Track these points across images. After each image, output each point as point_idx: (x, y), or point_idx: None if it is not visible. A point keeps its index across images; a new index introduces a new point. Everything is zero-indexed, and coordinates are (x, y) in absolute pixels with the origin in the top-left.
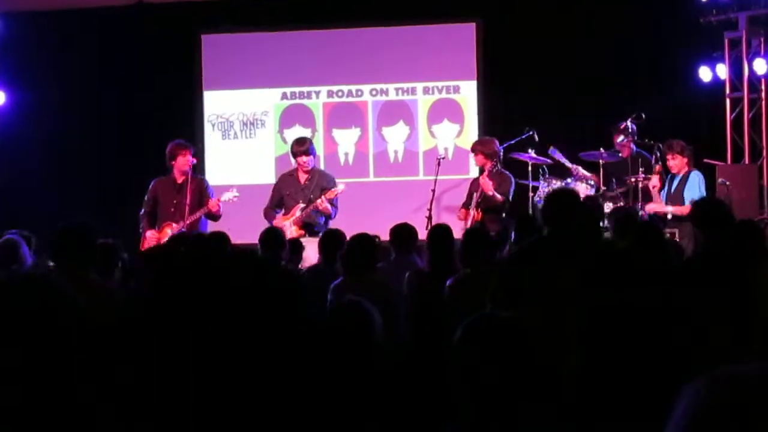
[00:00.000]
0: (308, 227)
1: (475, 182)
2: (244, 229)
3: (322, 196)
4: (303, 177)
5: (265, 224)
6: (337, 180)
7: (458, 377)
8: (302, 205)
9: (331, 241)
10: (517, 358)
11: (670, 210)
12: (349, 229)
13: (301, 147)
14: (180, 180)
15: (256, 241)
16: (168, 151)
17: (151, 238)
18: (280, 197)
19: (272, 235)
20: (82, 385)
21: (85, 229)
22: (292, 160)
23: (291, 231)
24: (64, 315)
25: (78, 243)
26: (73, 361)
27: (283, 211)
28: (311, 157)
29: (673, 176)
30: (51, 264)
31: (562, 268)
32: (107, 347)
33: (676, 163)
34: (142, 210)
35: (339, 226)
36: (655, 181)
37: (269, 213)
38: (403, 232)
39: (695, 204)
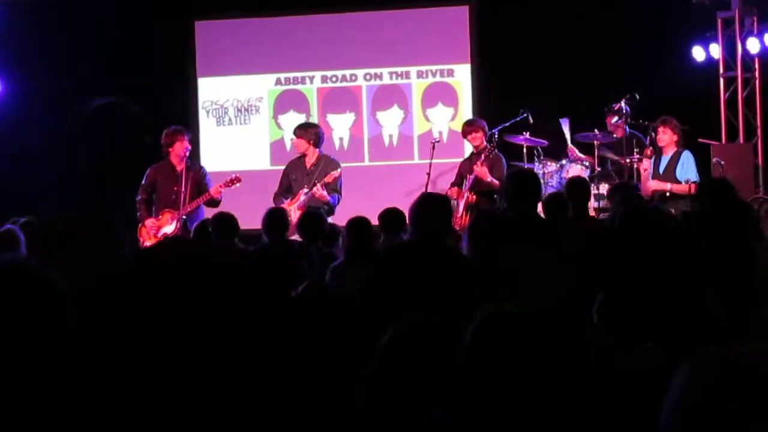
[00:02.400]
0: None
1: (465, 164)
2: (239, 215)
3: (318, 184)
4: (309, 162)
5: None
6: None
7: (470, 364)
8: (306, 190)
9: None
10: (529, 351)
11: (670, 187)
12: (345, 213)
13: (307, 131)
14: (179, 167)
15: (251, 227)
16: (164, 137)
17: (151, 226)
18: (288, 182)
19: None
20: (67, 368)
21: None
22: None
23: (296, 216)
24: (48, 300)
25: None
26: (56, 344)
27: (290, 197)
28: (311, 141)
29: (660, 155)
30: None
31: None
32: (94, 333)
33: (666, 137)
34: (139, 196)
35: (336, 210)
36: (645, 164)
37: (277, 199)
38: (392, 216)
39: (702, 183)
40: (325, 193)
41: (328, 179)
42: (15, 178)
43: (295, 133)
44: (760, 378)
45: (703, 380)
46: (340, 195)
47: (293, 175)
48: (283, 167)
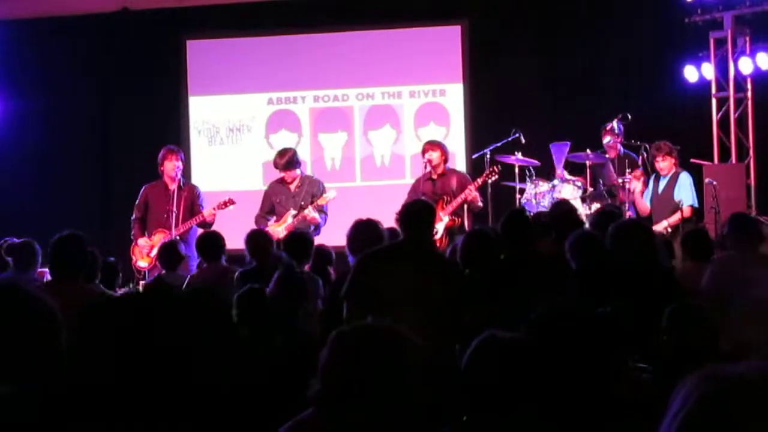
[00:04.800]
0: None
1: (427, 184)
2: (231, 236)
3: (310, 206)
4: (293, 184)
5: None
6: (327, 185)
7: (466, 387)
8: (293, 212)
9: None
10: (519, 373)
11: (667, 225)
12: (337, 233)
13: (281, 160)
14: (171, 186)
15: (242, 247)
16: (159, 156)
17: (143, 246)
18: (271, 205)
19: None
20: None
21: (79, 239)
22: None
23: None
24: (40, 322)
25: (73, 253)
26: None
27: (274, 218)
28: (296, 170)
29: (659, 177)
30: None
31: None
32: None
33: (666, 164)
34: (133, 215)
35: (327, 230)
36: (634, 185)
37: (260, 220)
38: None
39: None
40: (316, 215)
41: (321, 201)
42: (4, 196)
43: (283, 166)
44: (760, 395)
45: (703, 398)
46: (326, 215)
47: (277, 198)
48: None
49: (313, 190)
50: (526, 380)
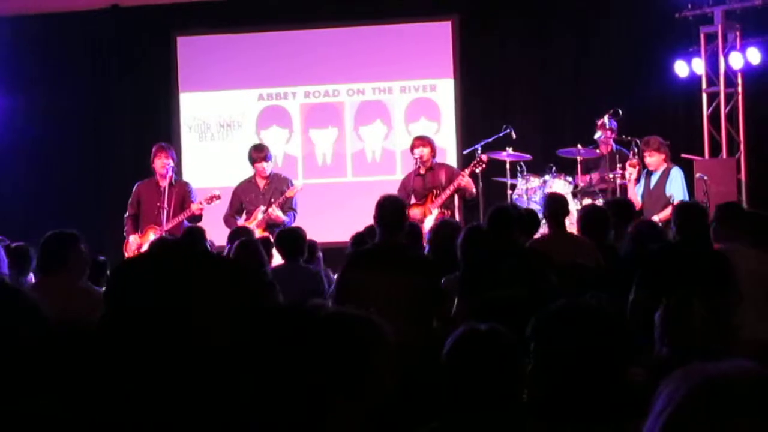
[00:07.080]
0: (272, 229)
1: (417, 179)
2: (219, 231)
3: (274, 206)
4: (262, 182)
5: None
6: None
7: (448, 379)
8: (263, 208)
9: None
10: (496, 364)
11: (657, 219)
12: (328, 228)
13: (260, 154)
14: (163, 183)
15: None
16: (151, 154)
17: (133, 242)
18: (240, 204)
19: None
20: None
21: (73, 237)
22: (251, 167)
23: (255, 234)
24: (26, 316)
25: (65, 251)
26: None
27: (243, 217)
28: (269, 163)
29: (650, 172)
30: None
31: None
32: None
33: (654, 160)
34: (127, 213)
35: (319, 226)
36: (629, 171)
37: (229, 220)
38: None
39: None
40: (279, 213)
41: (288, 194)
42: (1, 195)
43: (263, 159)
44: (744, 394)
45: (687, 397)
46: (296, 212)
47: (246, 197)
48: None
49: (281, 187)
50: (507, 371)
